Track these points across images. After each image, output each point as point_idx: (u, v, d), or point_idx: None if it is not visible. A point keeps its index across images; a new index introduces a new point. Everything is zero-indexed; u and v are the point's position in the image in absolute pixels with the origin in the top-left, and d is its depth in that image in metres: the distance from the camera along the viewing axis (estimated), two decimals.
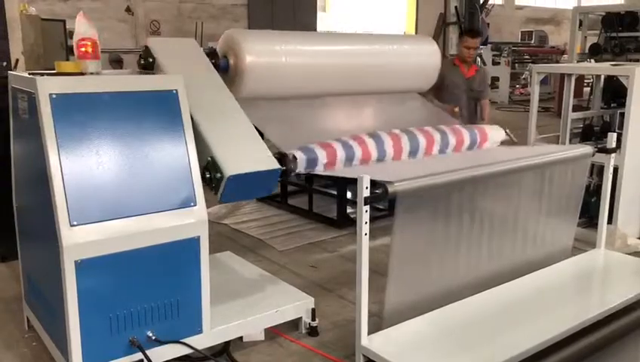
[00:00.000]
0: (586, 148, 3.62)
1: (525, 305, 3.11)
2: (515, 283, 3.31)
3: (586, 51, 8.65)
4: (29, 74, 2.68)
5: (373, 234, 2.65)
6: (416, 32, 16.51)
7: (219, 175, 2.68)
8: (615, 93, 5.69)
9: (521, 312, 3.03)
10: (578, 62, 8.49)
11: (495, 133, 4.00)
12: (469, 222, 3.09)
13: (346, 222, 4.98)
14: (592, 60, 8.02)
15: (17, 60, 4.91)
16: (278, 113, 3.60)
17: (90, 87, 2.53)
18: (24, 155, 2.89)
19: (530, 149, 4.27)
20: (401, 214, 2.70)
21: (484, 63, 14.43)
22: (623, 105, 4.62)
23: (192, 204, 2.64)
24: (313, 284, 3.87)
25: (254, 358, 3.01)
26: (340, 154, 3.21)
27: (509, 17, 20.26)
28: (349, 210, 5.12)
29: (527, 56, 17.43)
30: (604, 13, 8.35)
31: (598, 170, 4.67)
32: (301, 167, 3.05)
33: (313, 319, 3.20)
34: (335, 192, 5.25)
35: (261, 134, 3.11)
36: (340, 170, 3.22)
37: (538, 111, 5.24)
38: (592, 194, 4.64)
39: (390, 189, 2.54)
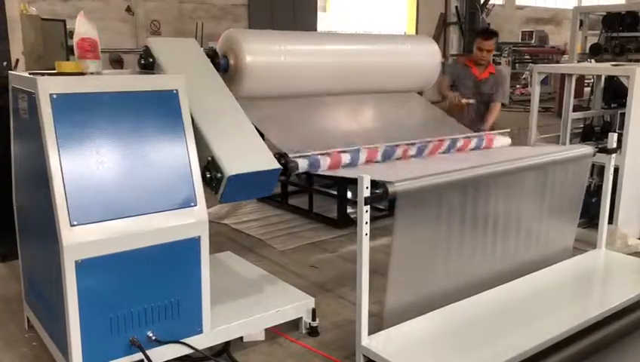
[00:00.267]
0: (587, 149, 3.62)
1: (526, 305, 3.11)
2: (515, 284, 3.31)
3: (587, 51, 8.65)
4: (30, 74, 2.68)
5: (373, 235, 2.65)
6: (416, 33, 16.50)
7: (219, 175, 2.68)
8: (616, 93, 5.69)
9: (521, 312, 3.03)
10: (578, 62, 8.50)
11: (501, 140, 4.01)
12: (470, 222, 3.09)
13: (347, 222, 4.98)
14: (593, 60, 8.03)
15: (18, 60, 4.92)
16: (278, 113, 3.61)
17: (90, 87, 2.53)
18: (24, 155, 2.89)
19: (531, 149, 4.27)
20: (401, 214, 2.69)
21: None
22: (623, 105, 4.62)
23: (193, 203, 2.64)
24: (313, 284, 3.87)
25: (254, 358, 3.01)
26: (345, 159, 3.22)
27: (509, 17, 20.24)
28: (349, 210, 5.12)
29: (527, 56, 17.45)
30: (604, 13, 8.34)
31: (598, 171, 4.67)
32: (302, 168, 3.05)
33: (313, 319, 3.20)
34: (335, 192, 5.24)
35: (261, 134, 3.11)
36: (340, 171, 3.22)
37: (538, 112, 5.24)
38: (593, 194, 4.64)
39: (390, 189, 2.54)
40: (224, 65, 3.41)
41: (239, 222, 5.23)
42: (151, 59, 2.95)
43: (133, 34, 13.02)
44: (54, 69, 2.72)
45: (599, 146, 3.74)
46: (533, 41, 19.29)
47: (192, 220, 2.64)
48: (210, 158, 2.71)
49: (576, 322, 2.90)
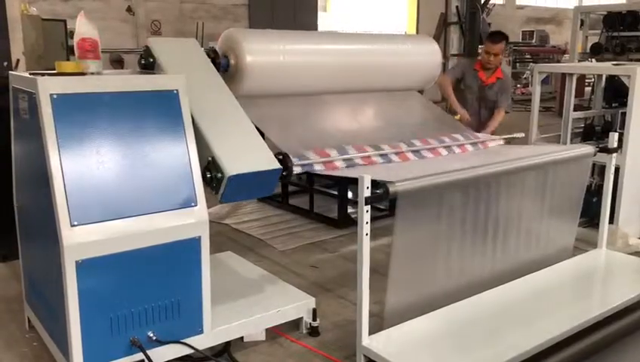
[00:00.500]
0: (588, 148, 3.62)
1: (526, 305, 3.11)
2: (516, 284, 3.30)
3: (588, 51, 8.64)
4: (30, 74, 2.68)
5: (374, 235, 2.65)
6: (417, 32, 16.49)
7: (219, 175, 2.68)
8: (616, 92, 5.68)
9: (522, 312, 3.02)
10: (579, 61, 8.48)
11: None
12: (470, 222, 3.09)
13: (347, 222, 4.98)
14: (594, 60, 8.02)
15: (18, 60, 4.92)
16: (279, 112, 3.61)
17: (90, 87, 2.53)
18: (25, 155, 2.89)
19: (532, 149, 4.27)
20: (402, 214, 2.69)
21: None
22: (624, 104, 4.61)
23: (193, 204, 2.64)
24: (314, 284, 3.87)
25: (255, 358, 3.01)
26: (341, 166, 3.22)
27: (510, 17, 20.23)
28: (350, 210, 5.11)
29: (528, 56, 17.44)
30: (605, 13, 8.34)
31: (599, 170, 4.66)
32: (299, 169, 3.05)
33: (314, 319, 3.20)
34: (336, 192, 5.24)
35: (262, 134, 3.11)
36: (341, 171, 3.22)
37: (539, 111, 5.24)
38: (594, 194, 4.63)
39: (391, 189, 2.53)
40: (224, 64, 3.41)
41: (240, 222, 5.23)
42: (151, 59, 2.95)
43: (133, 34, 13.04)
44: (55, 69, 2.72)
45: (600, 146, 3.73)
46: (533, 41, 19.30)
47: (193, 220, 2.64)
48: (210, 158, 2.71)
49: (576, 322, 2.90)
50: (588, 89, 9.99)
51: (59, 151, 2.38)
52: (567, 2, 22.42)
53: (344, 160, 3.24)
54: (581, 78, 9.79)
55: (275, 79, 3.57)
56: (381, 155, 3.41)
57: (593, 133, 5.58)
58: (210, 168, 2.72)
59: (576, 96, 5.44)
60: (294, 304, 3.18)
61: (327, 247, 4.64)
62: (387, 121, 4.06)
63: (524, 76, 16.69)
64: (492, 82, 5.03)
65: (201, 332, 2.78)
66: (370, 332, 2.72)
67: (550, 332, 2.79)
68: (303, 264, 4.27)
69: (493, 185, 3.16)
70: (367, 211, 2.54)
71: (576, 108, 5.46)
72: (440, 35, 14.93)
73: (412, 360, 2.63)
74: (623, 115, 4.69)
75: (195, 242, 2.67)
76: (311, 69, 3.76)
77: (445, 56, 13.63)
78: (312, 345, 3.12)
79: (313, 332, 3.20)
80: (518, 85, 16.59)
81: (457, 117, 4.54)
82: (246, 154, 2.78)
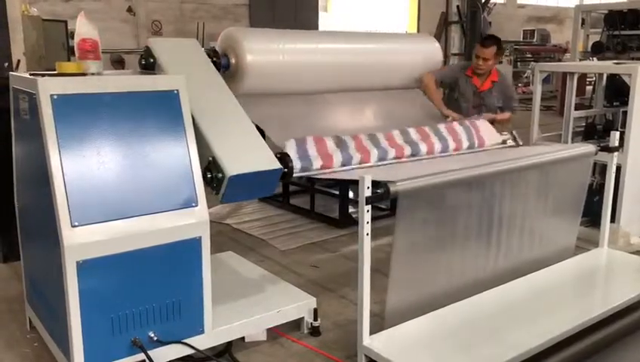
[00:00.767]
0: (589, 147, 3.61)
1: (527, 304, 3.10)
2: (517, 283, 3.30)
3: (589, 50, 8.63)
4: (31, 74, 2.68)
5: (375, 234, 2.64)
6: (418, 32, 16.50)
7: (220, 175, 2.68)
8: (618, 91, 5.66)
9: (523, 312, 3.02)
10: (580, 60, 8.47)
11: (491, 137, 3.98)
12: (472, 221, 3.08)
13: (348, 222, 4.97)
14: (595, 59, 8.01)
15: (19, 61, 4.91)
16: (279, 111, 3.61)
17: (91, 88, 2.53)
18: (25, 156, 2.89)
19: (533, 148, 4.26)
20: (402, 214, 2.69)
21: None
22: (625, 103, 4.60)
23: (194, 204, 2.64)
24: (315, 284, 3.87)
25: (256, 358, 3.00)
26: (337, 160, 3.22)
27: (510, 16, 20.21)
28: (350, 209, 5.11)
29: (529, 55, 17.41)
30: (606, 12, 8.33)
31: (600, 169, 4.65)
32: (296, 170, 3.06)
33: (315, 319, 3.20)
34: (337, 192, 5.24)
35: (262, 134, 3.10)
36: (341, 172, 3.22)
37: (540, 110, 5.23)
38: (595, 193, 4.62)
39: (392, 189, 2.53)
40: (225, 64, 3.41)
41: (241, 222, 5.23)
42: (152, 60, 2.95)
43: (134, 34, 13.03)
44: (55, 70, 2.72)
45: (601, 145, 3.73)
46: (534, 40, 19.27)
47: (193, 220, 2.64)
48: (211, 158, 2.71)
49: (578, 321, 2.90)
50: (589, 88, 9.96)
51: (59, 151, 2.37)
52: (568, 1, 22.37)
53: (337, 144, 3.26)
54: (582, 77, 9.74)
55: (275, 78, 3.57)
56: (375, 144, 3.41)
57: (594, 132, 5.57)
58: (211, 168, 2.71)
59: (577, 95, 5.43)
60: (295, 304, 3.18)
61: (328, 247, 4.64)
62: (388, 119, 4.06)
63: (525, 75, 16.68)
64: (488, 87, 4.73)
65: (202, 332, 2.78)
66: (371, 332, 2.72)
67: (551, 331, 2.78)
68: (304, 264, 4.27)
69: (495, 185, 3.16)
70: (368, 211, 2.54)
71: (578, 107, 5.44)
72: (441, 34, 14.93)
73: (413, 360, 2.63)
74: (625, 113, 4.68)
75: (196, 242, 2.67)
76: (311, 68, 3.76)
77: (446, 55, 13.64)
78: (313, 344, 3.12)
79: (314, 332, 3.20)
80: (520, 84, 16.58)
81: (449, 119, 4.48)
82: (246, 154, 2.78)
